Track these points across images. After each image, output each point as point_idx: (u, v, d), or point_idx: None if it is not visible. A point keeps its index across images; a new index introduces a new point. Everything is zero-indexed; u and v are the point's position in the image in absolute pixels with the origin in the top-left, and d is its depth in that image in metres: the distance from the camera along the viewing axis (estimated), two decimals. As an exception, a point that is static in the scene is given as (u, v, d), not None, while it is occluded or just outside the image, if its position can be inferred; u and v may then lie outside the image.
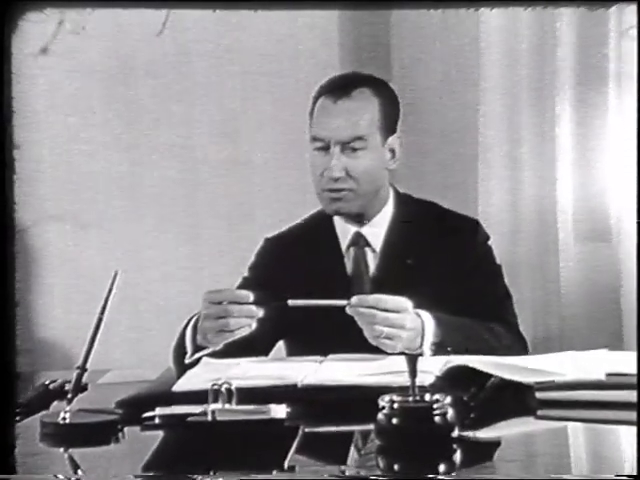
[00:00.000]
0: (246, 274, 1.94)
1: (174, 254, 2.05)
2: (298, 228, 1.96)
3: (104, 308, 1.60)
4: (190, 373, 1.71)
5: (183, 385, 1.64)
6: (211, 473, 1.36)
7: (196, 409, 1.51)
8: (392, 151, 1.91)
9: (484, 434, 1.48)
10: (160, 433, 1.50)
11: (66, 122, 2.00)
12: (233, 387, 1.51)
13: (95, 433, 1.50)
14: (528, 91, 2.07)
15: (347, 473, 1.36)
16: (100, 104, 2.03)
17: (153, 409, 1.54)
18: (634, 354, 1.61)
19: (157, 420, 1.52)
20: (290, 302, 1.74)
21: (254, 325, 1.75)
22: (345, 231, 1.94)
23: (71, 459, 1.44)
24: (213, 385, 1.51)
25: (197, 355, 1.78)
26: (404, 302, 1.75)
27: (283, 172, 2.06)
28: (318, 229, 1.95)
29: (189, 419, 1.50)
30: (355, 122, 1.88)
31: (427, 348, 1.76)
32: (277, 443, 1.44)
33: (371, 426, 1.44)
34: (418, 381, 1.46)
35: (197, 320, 1.78)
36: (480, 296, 1.88)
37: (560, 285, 2.08)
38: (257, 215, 2.06)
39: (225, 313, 1.74)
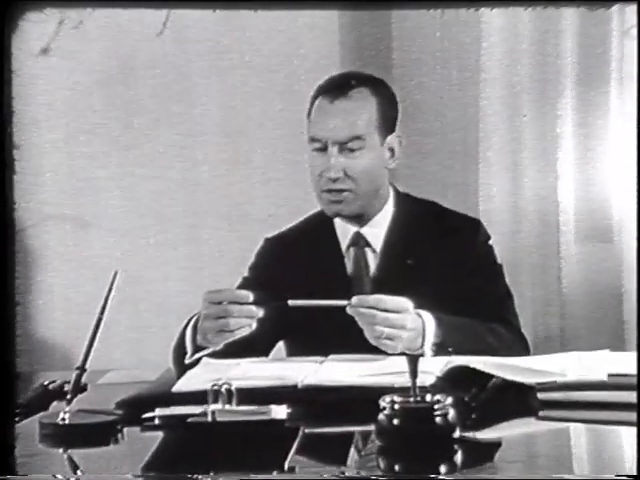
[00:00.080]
0: (246, 274, 1.93)
1: (174, 254, 2.04)
2: (298, 228, 1.96)
3: (104, 308, 1.59)
4: (190, 373, 1.71)
5: (183, 386, 1.63)
6: (211, 474, 1.36)
7: (196, 410, 1.51)
8: (391, 150, 1.91)
9: (485, 435, 1.48)
10: (160, 434, 1.50)
11: (66, 122, 2.00)
12: (233, 388, 1.51)
13: (95, 434, 1.49)
14: (529, 91, 2.06)
15: (347, 474, 1.36)
16: (100, 104, 2.03)
17: (153, 410, 1.53)
18: (636, 355, 1.61)
19: (157, 421, 1.52)
20: (290, 302, 1.74)
21: (254, 325, 1.74)
22: (345, 231, 1.94)
23: (70, 460, 1.44)
24: (213, 386, 1.51)
25: (197, 355, 1.78)
26: (405, 302, 1.74)
27: (283, 172, 2.05)
28: (318, 229, 1.94)
29: (189, 420, 1.50)
30: (353, 122, 1.88)
31: (428, 348, 1.76)
32: (277, 444, 1.43)
33: (372, 427, 1.44)
34: (419, 382, 1.45)
35: (197, 320, 1.78)
36: (481, 296, 1.87)
37: (561, 285, 2.08)
38: (257, 215, 2.06)
39: (225, 313, 1.73)
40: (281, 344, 1.93)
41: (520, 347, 1.86)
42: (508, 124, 2.08)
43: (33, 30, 1.87)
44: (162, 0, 1.89)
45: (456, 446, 1.41)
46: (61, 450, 1.47)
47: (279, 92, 2.04)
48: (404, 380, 1.48)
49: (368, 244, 1.93)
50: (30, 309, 1.92)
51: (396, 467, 1.38)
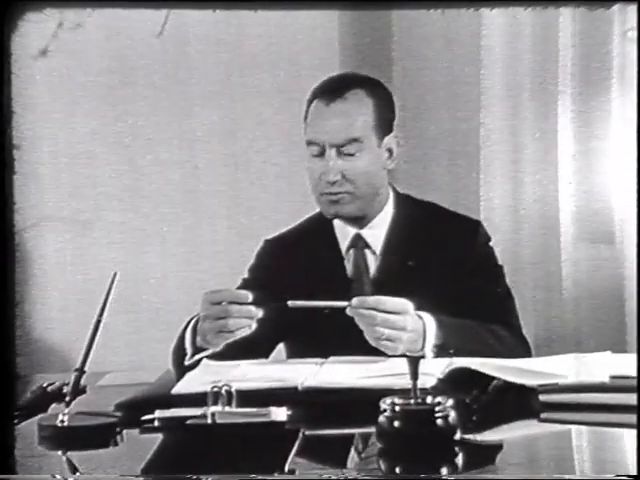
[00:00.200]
0: (246, 275, 1.93)
1: (173, 255, 2.04)
2: (298, 230, 1.95)
3: (103, 310, 1.59)
4: (190, 375, 1.70)
5: (183, 387, 1.63)
6: (211, 476, 1.36)
7: (196, 412, 1.51)
8: (389, 151, 1.90)
9: (486, 437, 1.47)
10: (159, 436, 1.49)
11: (66, 122, 2.00)
12: (233, 389, 1.51)
13: (94, 436, 1.49)
14: (530, 91, 2.06)
15: (348, 476, 1.36)
16: (100, 104, 2.02)
17: (152, 412, 1.53)
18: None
19: (156, 423, 1.52)
20: (290, 303, 1.73)
21: (254, 326, 1.74)
22: (345, 233, 1.93)
23: (69, 462, 1.44)
24: (213, 387, 1.51)
25: (197, 357, 1.77)
26: (405, 304, 1.74)
27: (284, 172, 2.05)
28: (318, 231, 1.94)
29: (189, 422, 1.50)
30: (349, 124, 1.87)
31: (429, 350, 1.75)
32: (277, 446, 1.43)
33: (372, 429, 1.43)
34: (420, 383, 1.45)
35: (197, 321, 1.78)
36: (481, 297, 1.87)
37: (562, 287, 2.07)
38: (257, 215, 2.05)
39: (224, 314, 1.73)
40: (281, 346, 1.93)
41: (521, 349, 1.86)
42: (509, 125, 2.07)
43: (33, 30, 1.87)
44: (162, 0, 1.88)
45: (457, 448, 1.41)
46: (60, 452, 1.46)
47: (279, 92, 2.04)
48: (405, 382, 1.48)
49: (368, 246, 1.92)
50: (29, 310, 1.91)
51: (397, 469, 1.38)
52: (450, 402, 1.43)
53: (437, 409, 1.41)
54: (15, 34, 1.79)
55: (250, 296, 1.74)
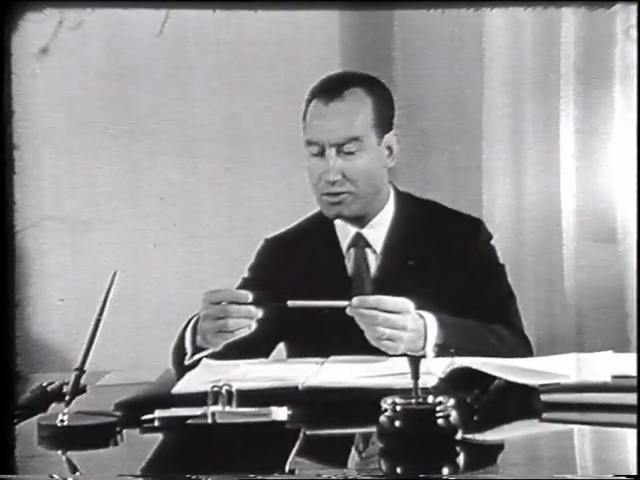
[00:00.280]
0: (246, 275, 1.92)
1: (173, 255, 2.03)
2: (298, 229, 1.95)
3: (103, 309, 1.59)
4: (190, 375, 1.70)
5: (183, 387, 1.63)
6: (211, 476, 1.35)
7: (196, 411, 1.51)
8: (389, 149, 1.90)
9: (488, 437, 1.47)
10: (159, 435, 1.49)
11: (66, 122, 2.00)
12: (233, 389, 1.51)
13: (93, 435, 1.49)
14: (532, 89, 2.05)
15: (348, 476, 1.35)
16: (100, 104, 2.02)
17: (152, 411, 1.53)
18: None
19: (156, 422, 1.51)
20: (289, 303, 1.73)
21: (254, 326, 1.74)
22: (345, 232, 1.93)
23: (69, 462, 1.43)
24: (213, 387, 1.50)
25: (197, 356, 1.77)
26: (405, 303, 1.74)
27: (284, 172, 2.04)
28: (318, 230, 1.93)
29: (189, 421, 1.49)
30: (349, 123, 1.86)
31: (430, 350, 1.75)
32: (278, 446, 1.43)
33: (373, 429, 1.43)
34: (421, 383, 1.45)
35: (197, 321, 1.77)
36: (483, 296, 1.86)
37: (564, 286, 2.07)
38: (257, 215, 2.05)
39: (224, 313, 1.73)
40: (281, 345, 1.92)
41: (523, 348, 1.85)
42: (510, 124, 2.07)
43: (33, 30, 1.86)
44: (162, 0, 1.88)
45: (458, 448, 1.41)
46: (60, 452, 1.46)
47: (280, 92, 2.03)
48: (406, 381, 1.48)
49: (369, 245, 1.92)
50: (29, 309, 1.91)
51: (398, 469, 1.38)
52: (451, 402, 1.42)
53: (438, 409, 1.41)
54: (15, 34, 1.79)
55: (250, 296, 1.74)
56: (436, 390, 1.53)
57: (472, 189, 2.06)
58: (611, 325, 2.01)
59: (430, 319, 1.75)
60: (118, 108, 2.03)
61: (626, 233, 1.99)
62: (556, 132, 2.05)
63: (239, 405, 1.50)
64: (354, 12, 2.02)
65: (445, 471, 1.36)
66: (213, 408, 1.49)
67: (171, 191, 2.06)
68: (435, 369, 1.62)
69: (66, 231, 2.01)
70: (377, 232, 1.91)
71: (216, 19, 1.96)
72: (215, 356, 1.76)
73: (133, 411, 1.54)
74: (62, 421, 1.50)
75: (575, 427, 1.51)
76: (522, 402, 1.57)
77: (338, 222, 1.92)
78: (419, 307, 1.74)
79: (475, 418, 1.52)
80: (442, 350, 1.75)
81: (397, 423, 1.41)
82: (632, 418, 1.50)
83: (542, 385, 1.58)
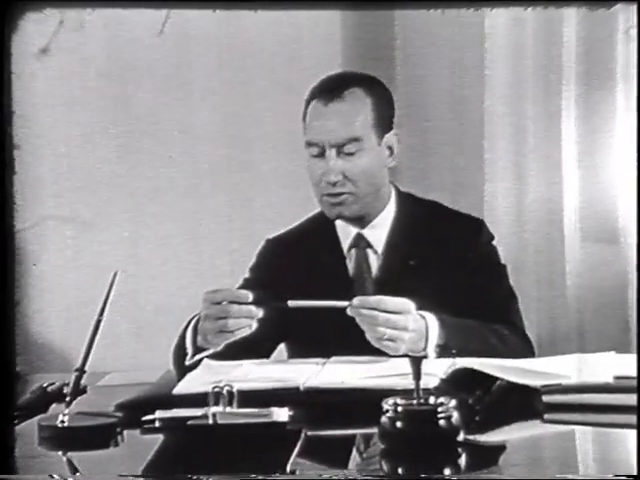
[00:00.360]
0: (247, 275, 1.92)
1: (174, 255, 2.03)
2: (299, 229, 1.95)
3: (103, 309, 1.59)
4: (191, 375, 1.70)
5: (184, 388, 1.63)
6: (212, 477, 1.35)
7: (197, 412, 1.51)
8: (390, 149, 1.89)
9: (489, 438, 1.47)
10: (160, 436, 1.49)
11: (66, 122, 1.99)
12: (234, 390, 1.50)
13: (94, 436, 1.48)
14: (534, 90, 2.05)
15: (349, 477, 1.35)
16: (100, 104, 2.02)
17: (153, 412, 1.53)
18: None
19: (157, 423, 1.51)
20: (290, 303, 1.73)
21: (254, 326, 1.73)
22: (346, 232, 1.93)
23: (70, 462, 1.43)
24: (214, 388, 1.50)
25: (198, 357, 1.77)
26: (406, 303, 1.73)
27: (284, 172, 2.04)
28: (319, 230, 1.93)
29: (190, 422, 1.49)
30: (348, 124, 1.86)
31: (431, 350, 1.74)
32: (279, 446, 1.43)
33: (374, 429, 1.43)
34: (422, 384, 1.45)
35: (197, 321, 1.77)
36: (484, 297, 1.86)
37: (566, 286, 2.07)
38: (258, 215, 2.05)
39: (224, 313, 1.72)
40: (282, 346, 1.92)
41: (524, 349, 1.85)
42: (512, 124, 2.07)
43: (33, 30, 1.86)
44: (162, 0, 1.88)
45: (460, 449, 1.41)
46: (60, 453, 1.46)
47: (280, 92, 2.03)
48: (407, 382, 1.47)
49: (370, 245, 1.91)
50: (29, 309, 1.91)
51: (399, 470, 1.37)
52: (453, 402, 1.42)
53: (440, 410, 1.41)
54: (15, 34, 1.79)
55: (250, 296, 1.74)
56: (438, 391, 1.53)
57: (473, 189, 2.06)
58: (613, 325, 2.01)
59: (431, 319, 1.75)
60: (118, 108, 2.03)
61: (628, 233, 1.99)
62: (557, 132, 2.05)
63: (240, 406, 1.50)
64: (354, 12, 2.02)
65: (447, 472, 1.36)
66: (214, 409, 1.49)
67: (171, 191, 2.05)
68: (436, 370, 1.61)
69: (66, 231, 2.01)
70: (378, 232, 1.91)
71: (216, 19, 1.96)
72: (216, 356, 1.76)
73: (134, 412, 1.54)
74: (62, 422, 1.49)
75: (577, 428, 1.51)
76: (524, 403, 1.57)
77: (339, 222, 1.92)
78: (420, 307, 1.74)
79: (477, 419, 1.51)
80: (443, 351, 1.74)
81: (398, 424, 1.40)
82: (634, 419, 1.50)
83: (544, 386, 1.57)
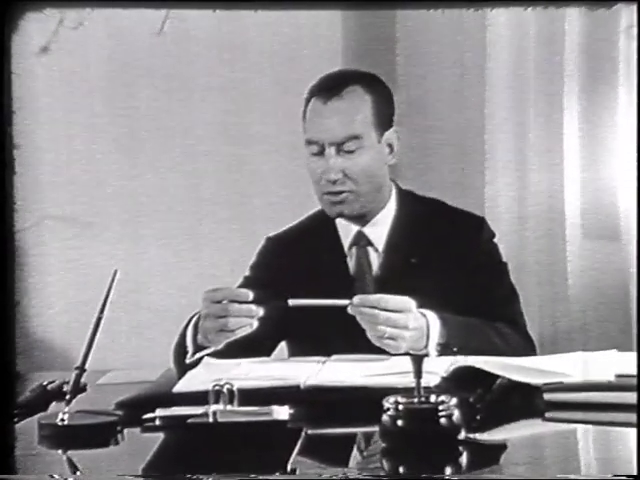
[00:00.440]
0: (247, 273, 1.92)
1: (174, 254, 2.03)
2: (300, 228, 1.94)
3: (103, 308, 1.58)
4: (191, 374, 1.70)
5: (184, 386, 1.62)
6: (212, 476, 1.35)
7: (197, 410, 1.50)
8: (390, 146, 1.89)
9: (491, 436, 1.46)
10: (160, 435, 1.48)
11: (66, 122, 2.00)
12: (235, 388, 1.50)
13: (94, 435, 1.48)
14: (535, 88, 2.05)
15: (349, 475, 1.35)
16: (100, 104, 2.02)
17: (153, 410, 1.52)
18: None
19: (157, 421, 1.51)
20: (290, 301, 1.72)
21: (255, 324, 1.73)
22: (347, 230, 1.92)
23: (70, 461, 1.43)
24: (214, 386, 1.50)
25: (198, 355, 1.77)
26: (407, 302, 1.73)
27: (285, 172, 2.04)
28: (320, 229, 1.93)
29: (190, 420, 1.49)
30: (348, 122, 1.86)
31: (432, 348, 1.74)
32: (279, 445, 1.42)
33: (375, 428, 1.42)
34: (423, 382, 1.44)
35: (198, 319, 1.77)
36: (486, 295, 1.86)
37: (568, 284, 2.07)
38: (258, 215, 2.04)
39: (225, 312, 1.72)
40: (283, 344, 1.92)
41: (526, 347, 1.85)
42: (514, 122, 2.06)
43: (33, 30, 1.86)
44: (162, 0, 1.88)
45: (461, 447, 1.40)
46: (60, 451, 1.45)
47: (280, 92, 2.03)
48: (408, 380, 1.47)
49: (370, 243, 1.91)
50: (29, 309, 1.90)
51: (400, 469, 1.37)
52: (454, 401, 1.42)
53: (441, 408, 1.41)
54: (15, 34, 1.79)
55: (251, 294, 1.73)
56: (439, 389, 1.53)
57: (474, 187, 2.06)
58: (615, 324, 2.01)
59: (432, 317, 1.75)
60: (118, 108, 2.03)
61: (630, 230, 1.99)
62: (559, 129, 2.05)
63: (240, 404, 1.49)
64: (355, 12, 2.02)
65: (448, 471, 1.35)
66: (214, 407, 1.49)
67: (171, 191, 2.05)
68: (437, 368, 1.61)
69: (66, 231, 2.00)
70: (379, 230, 1.91)
71: (216, 19, 1.96)
72: (216, 355, 1.75)
73: (134, 410, 1.54)
74: (62, 420, 1.49)
75: (579, 426, 1.50)
76: (525, 401, 1.57)
77: (340, 221, 1.92)
78: (421, 305, 1.74)
79: (478, 417, 1.51)
80: (444, 349, 1.74)
81: (399, 422, 1.40)
82: (635, 417, 1.50)
83: (545, 384, 1.57)
